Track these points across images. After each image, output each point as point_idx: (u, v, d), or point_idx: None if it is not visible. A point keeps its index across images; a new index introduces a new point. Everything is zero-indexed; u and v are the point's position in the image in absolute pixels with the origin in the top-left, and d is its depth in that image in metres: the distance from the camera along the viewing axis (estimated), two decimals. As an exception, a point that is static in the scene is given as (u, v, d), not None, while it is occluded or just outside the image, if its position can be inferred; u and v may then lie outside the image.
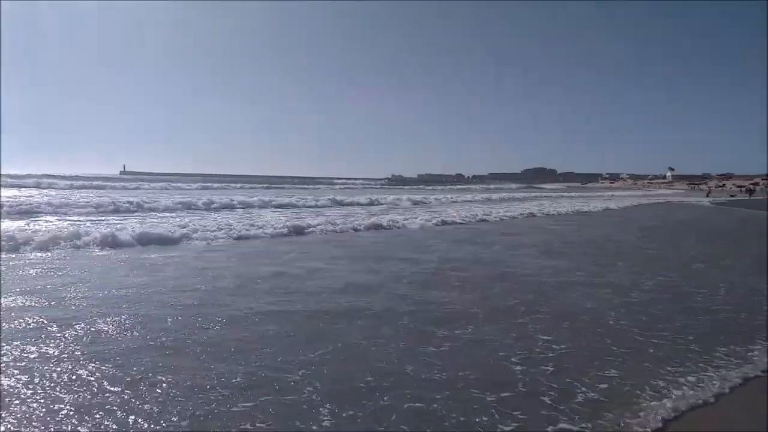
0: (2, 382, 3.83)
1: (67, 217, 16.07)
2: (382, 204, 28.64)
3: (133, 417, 3.37)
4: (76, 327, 5.11)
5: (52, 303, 5.96)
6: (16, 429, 3.21)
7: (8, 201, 19.14)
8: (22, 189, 32.57)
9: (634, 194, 67.33)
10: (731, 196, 63.53)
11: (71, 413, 3.40)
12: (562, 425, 3.42)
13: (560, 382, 4.08)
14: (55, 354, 4.41)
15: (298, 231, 13.87)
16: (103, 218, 16.32)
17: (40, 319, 5.31)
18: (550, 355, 4.71)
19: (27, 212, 17.12)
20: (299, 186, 62.91)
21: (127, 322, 5.35)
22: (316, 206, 25.06)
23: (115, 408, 3.49)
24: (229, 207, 22.51)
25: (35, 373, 3.99)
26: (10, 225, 12.90)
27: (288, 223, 14.81)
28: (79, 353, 4.43)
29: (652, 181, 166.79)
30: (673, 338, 5.25)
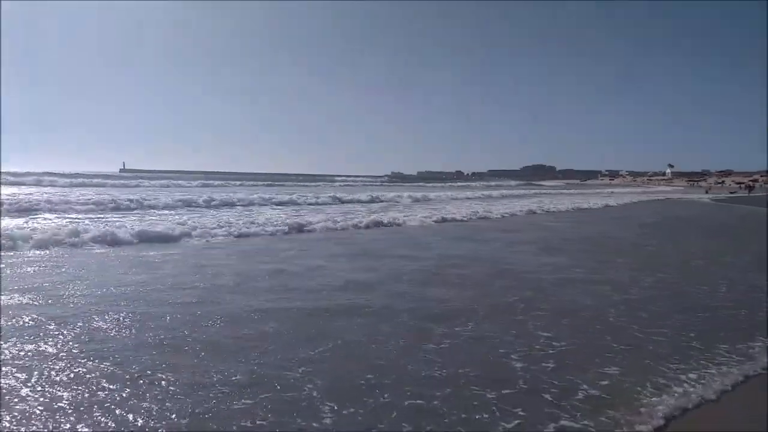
0: (0, 380, 3.81)
1: (66, 215, 16.04)
2: (382, 201, 28.63)
3: (131, 415, 3.36)
4: (75, 325, 5.10)
5: (50, 301, 5.95)
6: (14, 427, 3.19)
7: (8, 199, 19.09)
8: (22, 187, 32.54)
9: (634, 191, 67.26)
10: (731, 192, 63.53)
11: (69, 411, 3.39)
12: (564, 422, 3.40)
13: (561, 378, 4.07)
14: (53, 352, 4.39)
15: (298, 228, 13.85)
16: (102, 216, 16.29)
17: (38, 317, 5.29)
18: (551, 351, 4.69)
19: (26, 210, 17.08)
20: (299, 183, 62.87)
21: (125, 319, 5.33)
22: (317, 204, 25.02)
23: (113, 406, 3.47)
24: (229, 204, 22.46)
25: (33, 371, 3.97)
26: (9, 223, 12.90)
27: (288, 221, 14.79)
28: (77, 351, 4.42)
29: (651, 178, 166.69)
30: (674, 335, 5.24)
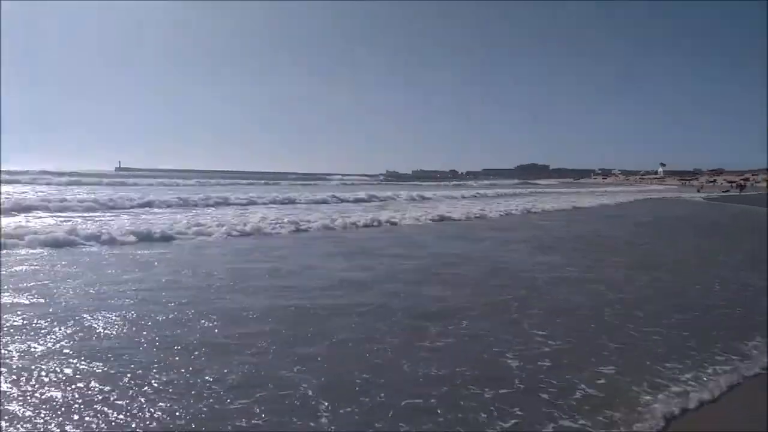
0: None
1: (61, 214, 15.92)
2: (378, 200, 28.58)
3: (124, 416, 3.32)
4: (66, 324, 5.04)
5: (42, 300, 5.88)
6: (3, 428, 3.15)
7: (2, 198, 18.92)
8: (17, 185, 32.27)
9: (628, 190, 67.54)
10: (725, 191, 63.87)
11: (60, 412, 3.34)
12: (562, 422, 3.40)
13: (557, 378, 4.06)
14: (45, 351, 4.34)
15: (294, 227, 13.80)
16: (96, 215, 16.18)
17: (30, 316, 5.23)
18: (546, 350, 4.69)
19: (20, 209, 16.91)
20: (296, 182, 62.68)
21: (118, 319, 5.28)
22: (313, 202, 24.92)
23: (105, 407, 3.43)
24: (225, 203, 22.34)
25: (23, 372, 3.92)
26: (3, 221, 12.77)
27: (284, 220, 14.75)
28: (68, 351, 4.36)
29: (644, 177, 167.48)
30: (669, 334, 5.24)
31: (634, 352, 4.69)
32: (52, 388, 3.67)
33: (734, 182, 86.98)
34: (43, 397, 3.55)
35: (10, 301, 5.77)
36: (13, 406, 3.40)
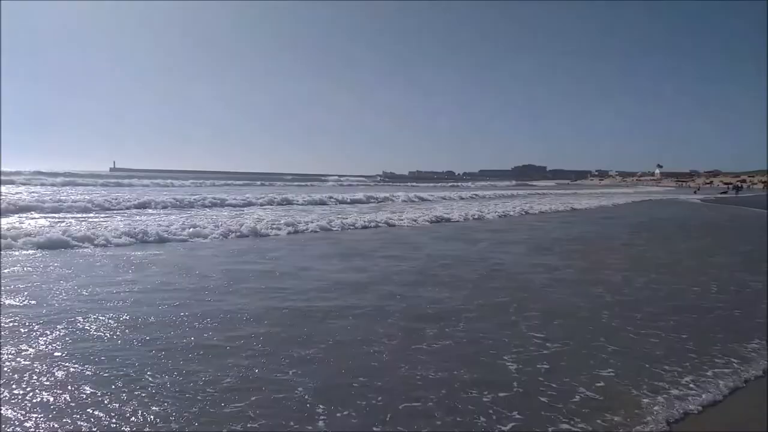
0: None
1: (55, 215, 15.81)
2: (375, 201, 28.52)
3: (117, 419, 3.26)
4: (59, 325, 4.97)
5: (34, 301, 5.81)
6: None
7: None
8: (10, 186, 32.08)
9: (625, 191, 67.68)
10: (722, 193, 64.04)
11: (53, 415, 3.28)
12: (562, 426, 3.35)
13: (556, 381, 4.02)
14: (37, 354, 4.27)
15: (291, 228, 13.73)
16: (90, 216, 16.09)
17: (22, 318, 5.16)
18: (545, 353, 4.65)
19: (14, 210, 16.80)
20: (292, 183, 62.57)
21: (111, 320, 5.22)
22: (310, 203, 24.87)
23: (97, 410, 3.37)
24: (220, 204, 22.25)
25: (15, 374, 3.86)
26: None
27: (280, 221, 14.68)
28: (60, 353, 4.30)
29: (640, 178, 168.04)
30: (668, 337, 5.21)
31: (633, 355, 4.65)
32: (44, 391, 3.60)
33: (731, 184, 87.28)
34: (35, 400, 3.48)
35: (3, 303, 5.69)
36: (5, 410, 3.33)
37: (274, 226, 13.69)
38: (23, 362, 4.09)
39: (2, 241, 9.53)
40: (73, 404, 3.44)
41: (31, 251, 9.19)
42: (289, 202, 24.65)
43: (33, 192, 25.40)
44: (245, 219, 15.41)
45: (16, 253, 8.99)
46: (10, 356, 4.20)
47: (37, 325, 4.99)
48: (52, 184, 36.28)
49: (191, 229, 12.21)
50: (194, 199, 22.61)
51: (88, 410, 3.36)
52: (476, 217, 19.80)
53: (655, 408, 3.60)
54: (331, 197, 27.52)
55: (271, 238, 12.35)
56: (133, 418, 3.29)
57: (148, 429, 3.18)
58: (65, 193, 24.65)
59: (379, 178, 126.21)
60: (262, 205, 23.11)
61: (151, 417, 3.30)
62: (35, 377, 3.83)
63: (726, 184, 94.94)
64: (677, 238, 14.76)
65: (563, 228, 16.99)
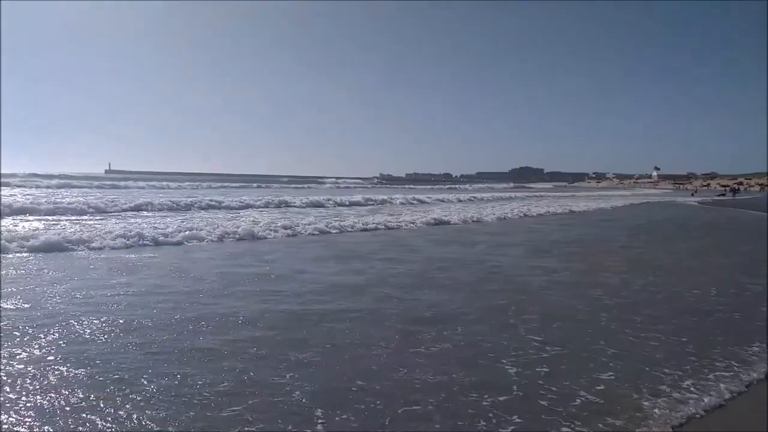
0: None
1: (49, 217, 15.71)
2: (373, 203, 28.46)
3: (112, 423, 3.20)
4: (53, 329, 4.91)
5: (28, 305, 5.75)
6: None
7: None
8: (5, 188, 31.91)
9: (623, 194, 67.87)
10: (720, 195, 64.18)
11: (46, 419, 3.22)
12: (563, 429, 3.31)
13: (556, 384, 3.98)
14: (30, 357, 4.21)
15: (290, 231, 13.67)
16: (85, 218, 16.00)
17: (15, 321, 5.10)
18: (544, 356, 4.61)
19: (8, 212, 16.69)
20: (288, 185, 62.47)
21: (106, 324, 5.16)
22: (307, 206, 24.82)
23: (93, 415, 3.31)
24: (216, 206, 22.16)
25: (8, 378, 3.79)
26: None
27: (277, 223, 14.62)
28: (54, 357, 4.24)
29: (638, 180, 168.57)
30: (668, 340, 5.16)
31: (633, 358, 4.61)
32: (38, 395, 3.54)
33: (728, 186, 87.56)
34: (29, 404, 3.42)
35: (-4, 306, 5.62)
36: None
37: (271, 228, 13.63)
38: (17, 366, 4.04)
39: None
40: (68, 408, 3.38)
41: (25, 254, 9.12)
42: (286, 205, 24.59)
43: (28, 194, 25.27)
44: (242, 221, 15.35)
45: (10, 255, 8.92)
46: (3, 360, 4.14)
47: (31, 328, 4.93)
48: (47, 187, 36.16)
49: (187, 232, 12.14)
50: (190, 202, 22.52)
51: (83, 414, 3.31)
52: (474, 219, 19.77)
53: (657, 412, 3.56)
54: (329, 199, 27.47)
55: (267, 241, 12.29)
56: (128, 422, 3.23)
57: (142, 434, 3.12)
58: (60, 195, 24.53)
59: (376, 181, 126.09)
60: (259, 207, 23.04)
61: (146, 421, 3.25)
62: (29, 381, 3.77)
63: (723, 186, 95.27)
64: (675, 241, 14.75)
65: (561, 230, 16.98)
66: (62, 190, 33.31)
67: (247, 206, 23.09)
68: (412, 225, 16.73)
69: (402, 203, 29.77)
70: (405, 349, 4.71)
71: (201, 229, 12.66)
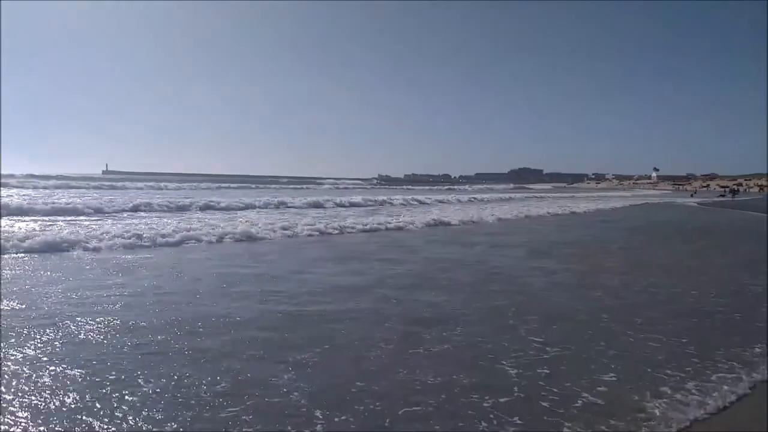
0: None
1: (45, 218, 15.64)
2: (373, 204, 28.42)
3: (109, 425, 3.16)
4: (49, 329, 4.87)
5: (23, 305, 5.71)
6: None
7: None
8: (2, 189, 31.84)
9: (622, 195, 67.89)
10: (720, 196, 64.18)
11: (42, 421, 3.18)
12: (565, 431, 3.27)
13: (557, 385, 3.94)
14: (25, 358, 4.17)
15: (289, 232, 13.63)
16: (82, 218, 15.93)
17: (10, 322, 5.06)
18: (545, 357, 4.57)
19: (5, 213, 16.63)
20: (287, 186, 62.42)
21: (102, 325, 5.11)
22: (305, 206, 24.77)
23: (89, 416, 3.27)
24: (215, 207, 22.10)
25: (3, 378, 3.75)
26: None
27: (276, 224, 14.58)
28: (49, 357, 4.20)
29: (637, 181, 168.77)
30: (669, 341, 5.12)
31: (634, 359, 4.57)
32: (33, 396, 3.50)
33: (727, 187, 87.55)
34: (24, 405, 3.38)
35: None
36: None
37: (270, 228, 13.58)
38: (12, 366, 3.99)
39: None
40: (64, 409, 3.34)
41: (21, 254, 9.07)
42: (285, 205, 24.53)
43: (24, 195, 25.18)
44: (240, 222, 15.30)
45: (6, 256, 8.87)
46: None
47: (26, 329, 4.89)
48: (45, 187, 36.05)
49: (185, 233, 12.09)
50: (188, 202, 22.45)
51: (79, 416, 3.27)
52: (474, 220, 19.74)
53: (659, 413, 3.52)
54: (328, 200, 27.42)
55: (266, 242, 12.24)
56: (125, 423, 3.19)
57: (139, 436, 3.08)
58: (57, 196, 24.44)
59: (375, 181, 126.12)
60: (257, 208, 22.98)
61: (143, 423, 3.20)
62: (24, 382, 3.72)
63: (723, 187, 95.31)
64: (675, 242, 14.73)
65: (561, 231, 16.95)
66: (59, 190, 33.19)
67: (246, 207, 23.03)
68: (411, 226, 16.68)
69: (401, 204, 29.72)
70: (405, 350, 4.67)
71: (199, 230, 12.61)
